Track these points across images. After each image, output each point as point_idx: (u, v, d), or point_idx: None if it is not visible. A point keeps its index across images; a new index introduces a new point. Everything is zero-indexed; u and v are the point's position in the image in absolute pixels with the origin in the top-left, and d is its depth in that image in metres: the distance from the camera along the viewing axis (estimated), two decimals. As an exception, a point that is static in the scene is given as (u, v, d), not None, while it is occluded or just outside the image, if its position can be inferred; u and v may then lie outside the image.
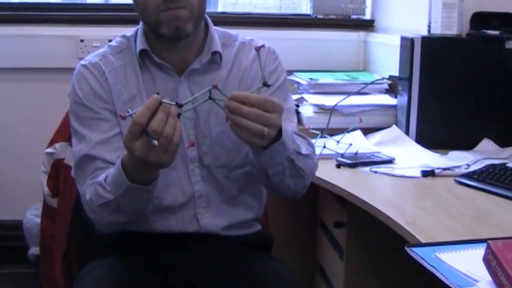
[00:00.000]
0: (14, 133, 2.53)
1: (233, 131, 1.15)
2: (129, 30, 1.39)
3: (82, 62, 1.35)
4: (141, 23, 1.34)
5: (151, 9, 1.25)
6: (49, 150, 1.72)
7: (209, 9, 2.69)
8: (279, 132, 1.19)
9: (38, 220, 1.92)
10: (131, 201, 1.21)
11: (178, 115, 1.12)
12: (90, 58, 1.35)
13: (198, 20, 1.30)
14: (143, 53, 1.33)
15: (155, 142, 1.07)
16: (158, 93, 1.11)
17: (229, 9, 2.65)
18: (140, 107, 1.11)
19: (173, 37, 1.28)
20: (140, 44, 1.32)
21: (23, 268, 2.42)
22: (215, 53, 1.34)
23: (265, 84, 1.16)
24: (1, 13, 2.49)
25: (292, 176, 1.27)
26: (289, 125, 1.33)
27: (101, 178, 1.24)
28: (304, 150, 1.28)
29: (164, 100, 1.10)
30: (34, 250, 2.25)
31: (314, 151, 1.37)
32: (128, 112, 1.10)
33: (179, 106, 1.11)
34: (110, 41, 1.41)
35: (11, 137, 2.53)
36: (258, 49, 1.17)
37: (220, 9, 2.65)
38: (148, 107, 1.08)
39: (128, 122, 1.13)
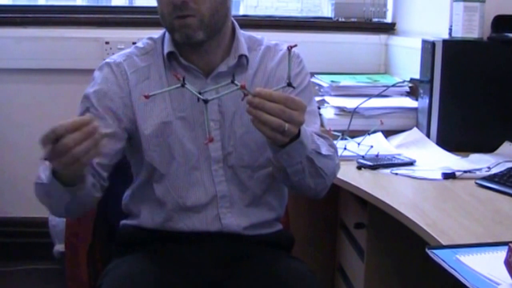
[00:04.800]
0: (41, 132, 2.57)
1: (254, 126, 1.16)
2: (153, 33, 1.41)
3: (107, 59, 1.38)
4: None
5: (166, 15, 1.29)
6: (75, 149, 1.75)
7: (231, 11, 2.72)
8: (298, 131, 1.20)
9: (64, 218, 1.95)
10: (55, 194, 1.21)
11: (205, 102, 1.14)
12: (116, 57, 1.38)
13: (211, 28, 1.30)
14: (170, 55, 1.35)
15: (54, 163, 1.09)
16: (183, 78, 1.13)
17: (251, 12, 2.68)
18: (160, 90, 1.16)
19: (184, 43, 1.31)
20: (168, 47, 1.35)
21: (48, 264, 2.46)
22: (241, 56, 1.36)
23: (290, 85, 1.18)
24: (29, 15, 2.55)
25: (312, 176, 1.29)
26: (312, 127, 1.35)
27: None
28: (324, 150, 1.29)
29: (188, 86, 1.13)
30: (59, 247, 2.30)
31: (336, 152, 1.38)
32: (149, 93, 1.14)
33: (206, 101, 1.14)
34: (134, 43, 1.44)
35: (38, 137, 2.57)
36: (290, 48, 1.17)
37: (241, 11, 2.68)
38: (74, 123, 1.09)
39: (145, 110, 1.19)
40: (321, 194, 1.35)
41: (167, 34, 1.37)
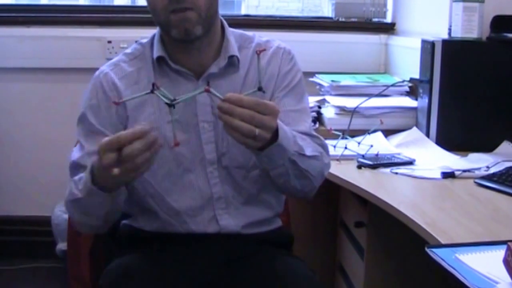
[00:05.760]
0: (44, 131, 2.60)
1: (226, 132, 1.16)
2: (154, 32, 1.40)
3: (97, 72, 1.38)
4: (157, 29, 1.36)
5: (159, 10, 1.27)
6: (78, 148, 1.76)
7: (233, 11, 2.74)
8: (277, 134, 1.20)
9: (66, 216, 1.96)
10: (93, 204, 1.23)
11: (169, 106, 1.14)
12: (104, 67, 1.38)
13: (208, 22, 1.30)
14: (160, 59, 1.34)
15: (116, 170, 1.11)
16: (153, 84, 1.14)
17: (252, 11, 2.70)
18: (136, 95, 1.16)
19: (182, 39, 1.29)
20: (157, 51, 1.34)
21: (51, 263, 2.47)
22: (232, 56, 1.35)
23: (260, 89, 1.17)
24: (32, 15, 2.56)
25: (297, 178, 1.28)
26: (302, 125, 1.34)
27: (77, 176, 1.28)
28: (309, 151, 1.28)
29: (157, 93, 1.13)
30: (62, 246, 2.31)
31: (326, 151, 1.37)
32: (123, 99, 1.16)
33: (170, 104, 1.14)
34: (137, 42, 1.44)
35: (41, 136, 2.60)
36: (259, 52, 1.17)
37: (243, 11, 2.69)
38: (134, 134, 1.10)
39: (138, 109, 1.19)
40: (309, 195, 1.34)
41: (156, 38, 1.36)
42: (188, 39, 1.29)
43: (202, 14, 1.27)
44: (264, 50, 1.28)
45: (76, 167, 1.33)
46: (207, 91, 1.14)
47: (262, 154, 1.21)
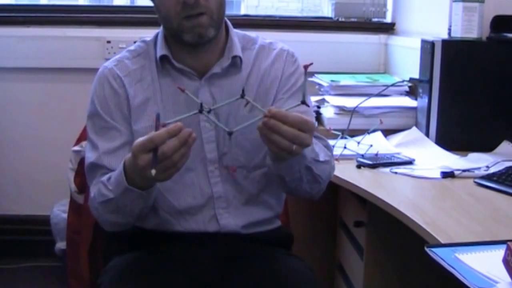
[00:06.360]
0: (43, 131, 2.60)
1: (263, 142, 1.17)
2: (154, 32, 1.41)
3: (100, 69, 1.38)
4: (161, 27, 1.36)
5: (172, 16, 1.27)
6: (76, 148, 1.76)
7: (232, 11, 2.74)
8: None
9: (65, 215, 1.96)
10: (128, 203, 1.23)
11: (230, 134, 1.17)
12: (108, 63, 1.38)
13: (219, 24, 1.31)
14: (163, 58, 1.34)
15: (153, 171, 1.11)
16: (201, 104, 1.16)
17: (252, 11, 2.69)
18: (178, 117, 1.17)
19: (195, 43, 1.30)
20: (161, 50, 1.34)
21: (50, 262, 2.48)
22: (235, 57, 1.35)
23: (303, 103, 1.18)
24: (31, 15, 2.56)
25: (309, 182, 1.29)
26: None
27: (105, 177, 1.27)
28: (322, 156, 1.30)
29: (205, 113, 1.16)
30: (61, 245, 2.31)
31: (331, 153, 1.38)
32: (166, 121, 1.16)
33: (230, 133, 1.17)
34: (135, 42, 1.44)
35: (40, 135, 2.60)
36: (306, 67, 1.18)
37: (242, 11, 2.69)
38: (169, 132, 1.12)
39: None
40: (316, 197, 1.36)
41: (159, 36, 1.36)
42: (202, 42, 1.30)
43: (214, 16, 1.28)
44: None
45: (94, 168, 1.32)
46: (266, 116, 1.14)
47: (285, 163, 1.22)
